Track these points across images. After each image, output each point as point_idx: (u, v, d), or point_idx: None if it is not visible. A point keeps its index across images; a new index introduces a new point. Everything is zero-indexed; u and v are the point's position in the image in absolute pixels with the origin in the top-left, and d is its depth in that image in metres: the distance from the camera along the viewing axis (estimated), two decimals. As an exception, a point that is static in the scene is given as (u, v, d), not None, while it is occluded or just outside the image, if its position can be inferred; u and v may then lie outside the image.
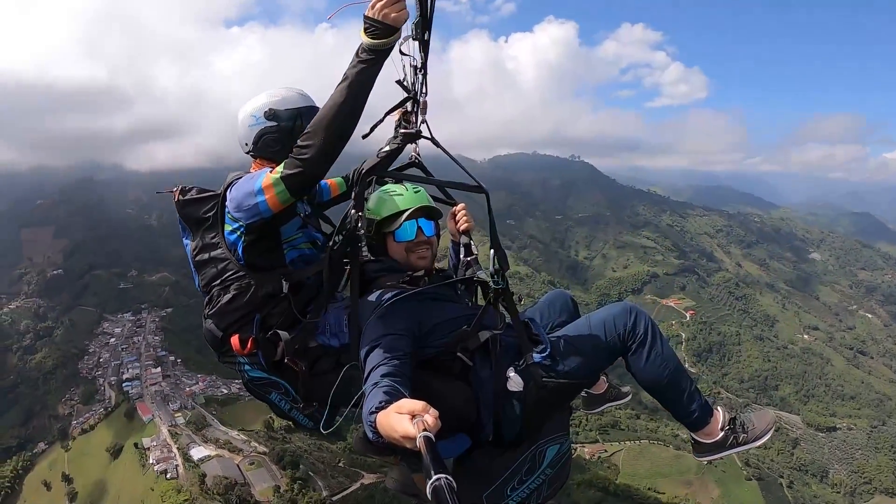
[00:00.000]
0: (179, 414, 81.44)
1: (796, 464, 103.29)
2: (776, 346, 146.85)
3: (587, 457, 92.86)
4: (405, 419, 1.89)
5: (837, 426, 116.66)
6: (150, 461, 68.61)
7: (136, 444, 73.98)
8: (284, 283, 3.23)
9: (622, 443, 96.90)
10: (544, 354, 3.17)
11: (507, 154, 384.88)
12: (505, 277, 3.23)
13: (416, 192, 3.56)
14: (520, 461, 3.14)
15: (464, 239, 3.76)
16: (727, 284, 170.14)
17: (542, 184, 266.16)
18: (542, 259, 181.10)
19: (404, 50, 3.06)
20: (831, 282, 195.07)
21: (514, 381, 3.07)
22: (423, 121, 3.50)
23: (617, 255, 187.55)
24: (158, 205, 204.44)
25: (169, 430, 76.11)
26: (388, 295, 3.17)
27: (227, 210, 3.24)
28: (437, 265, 3.75)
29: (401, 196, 3.52)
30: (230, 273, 3.27)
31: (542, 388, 3.12)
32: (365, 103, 2.86)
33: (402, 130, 3.59)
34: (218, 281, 3.30)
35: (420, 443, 1.74)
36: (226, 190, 3.26)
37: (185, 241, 3.48)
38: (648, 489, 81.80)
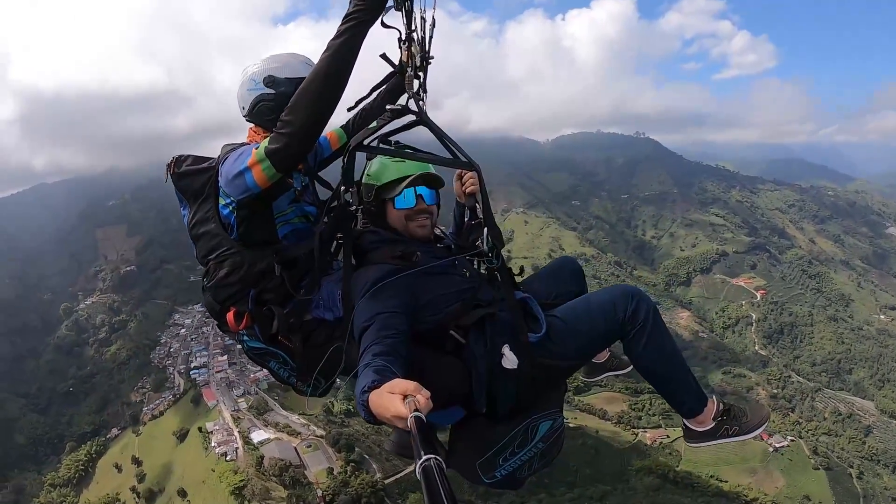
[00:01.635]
0: (242, 399, 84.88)
1: (868, 453, 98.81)
2: (851, 327, 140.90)
3: (648, 442, 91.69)
4: (397, 399, 1.91)
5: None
6: (213, 444, 71.94)
7: (200, 429, 77.75)
8: (277, 265, 3.20)
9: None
10: (540, 335, 3.16)
11: (571, 134, 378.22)
12: (500, 255, 3.29)
13: None
14: (512, 434, 3.18)
15: (469, 201, 3.76)
16: (800, 262, 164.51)
17: (606, 163, 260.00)
18: (608, 240, 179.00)
19: (387, 21, 3.04)
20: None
21: (509, 359, 3.08)
22: (412, 96, 3.34)
23: (685, 234, 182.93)
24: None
25: (231, 415, 79.60)
26: (381, 273, 3.11)
27: (219, 184, 3.22)
28: (437, 231, 3.70)
29: (402, 162, 3.44)
30: (224, 249, 3.25)
31: (536, 366, 3.14)
32: (348, 73, 2.83)
33: (389, 106, 3.44)
34: (213, 255, 3.29)
35: (411, 423, 1.76)
36: (220, 163, 3.23)
37: (183, 212, 3.44)
38: (710, 477, 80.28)
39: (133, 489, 74.41)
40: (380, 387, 2.10)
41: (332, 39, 2.73)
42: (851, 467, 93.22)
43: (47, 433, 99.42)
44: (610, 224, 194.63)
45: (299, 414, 77.92)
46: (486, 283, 3.33)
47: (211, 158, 3.32)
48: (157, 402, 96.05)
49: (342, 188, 3.22)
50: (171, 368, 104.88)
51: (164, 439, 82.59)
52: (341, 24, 2.72)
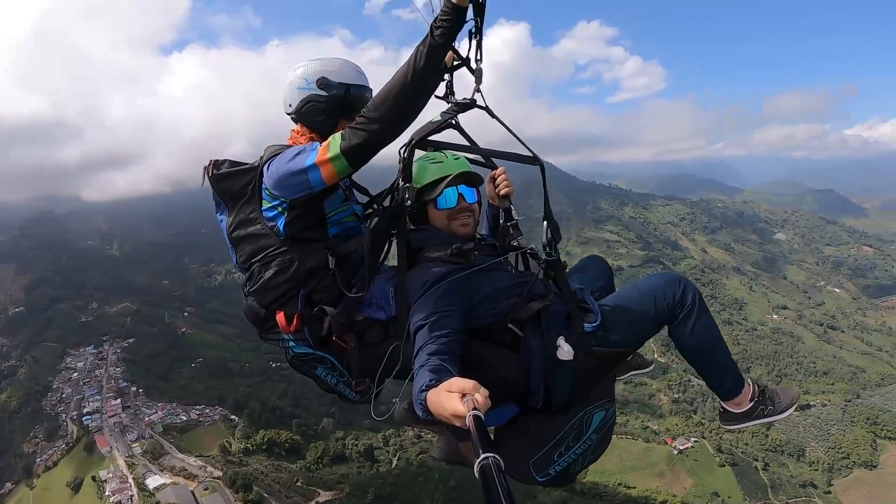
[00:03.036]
0: (137, 444, 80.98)
1: (771, 445, 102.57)
2: (745, 328, 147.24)
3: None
4: (455, 398, 1.93)
5: (811, 403, 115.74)
6: (107, 493, 68.55)
7: (93, 478, 73.62)
8: (331, 258, 3.16)
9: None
10: (595, 324, 3.20)
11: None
12: (556, 248, 3.32)
13: (456, 159, 3.48)
14: (567, 427, 3.22)
15: (504, 203, 3.71)
16: (693, 271, 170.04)
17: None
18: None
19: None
20: (798, 260, 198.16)
21: (565, 350, 3.12)
22: (477, 89, 3.38)
23: (581, 252, 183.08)
24: (120, 234, 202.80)
25: (126, 461, 75.88)
26: (437, 271, 3.11)
27: (263, 186, 3.14)
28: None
29: (440, 163, 3.44)
30: (271, 249, 3.18)
31: (591, 356, 3.17)
32: (435, 77, 2.96)
33: (454, 100, 3.45)
34: (258, 257, 3.21)
35: (469, 421, 1.77)
36: (264, 164, 3.15)
37: (220, 218, 3.37)
38: (618, 485, 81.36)
39: (29, 546, 69.64)
40: (437, 385, 2.14)
41: (420, 45, 2.79)
42: (756, 460, 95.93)
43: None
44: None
45: (196, 456, 75.22)
46: (538, 277, 3.34)
47: (248, 163, 3.27)
48: (51, 451, 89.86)
49: (401, 183, 3.18)
50: (64, 415, 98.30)
51: (59, 491, 77.70)
52: (430, 31, 2.77)
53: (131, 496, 66.57)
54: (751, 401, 3.59)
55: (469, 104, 3.41)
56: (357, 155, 2.93)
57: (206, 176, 3.33)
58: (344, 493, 64.18)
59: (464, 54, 3.34)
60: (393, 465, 75.52)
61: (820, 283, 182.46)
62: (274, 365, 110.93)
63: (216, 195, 3.34)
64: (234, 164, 3.32)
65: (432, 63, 2.83)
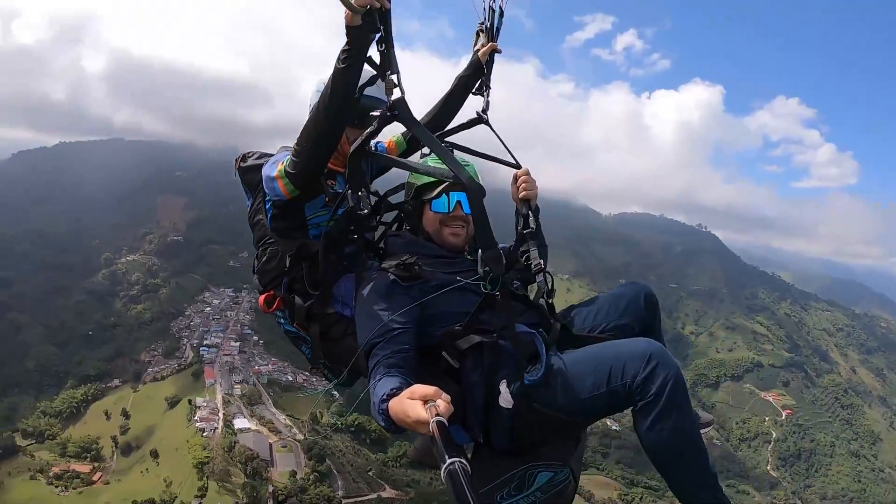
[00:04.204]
0: (239, 386, 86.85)
1: None
2: (872, 466, 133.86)
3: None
4: (418, 405, 1.92)
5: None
6: (195, 418, 74.23)
7: (190, 401, 79.89)
8: (288, 258, 3.40)
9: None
10: (535, 378, 2.79)
11: (634, 213, 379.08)
12: (500, 281, 2.87)
13: (465, 166, 3.21)
14: (510, 475, 2.90)
15: (522, 207, 3.39)
16: (835, 389, 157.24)
17: (663, 248, 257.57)
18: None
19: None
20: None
21: (504, 398, 2.84)
22: (392, 104, 2.93)
23: (724, 336, 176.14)
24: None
25: (223, 397, 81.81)
26: (377, 285, 3.02)
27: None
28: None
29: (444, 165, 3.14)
30: (267, 238, 3.57)
31: (533, 412, 2.81)
32: (345, 103, 2.92)
33: (374, 113, 3.13)
34: (261, 243, 3.62)
35: (433, 427, 1.77)
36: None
37: (248, 203, 3.78)
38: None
39: (114, 439, 78.20)
40: (399, 394, 2.12)
41: (331, 75, 2.84)
42: None
43: (55, 366, 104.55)
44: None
45: (287, 415, 79.04)
46: (483, 307, 2.96)
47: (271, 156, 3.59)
48: (163, 366, 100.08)
49: (349, 191, 3.08)
50: (186, 340, 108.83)
51: (157, 402, 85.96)
52: (337, 60, 2.79)
53: (215, 428, 71.26)
54: None
55: (391, 117, 2.99)
56: (295, 180, 3.14)
57: (235, 168, 3.71)
58: (408, 497, 64.61)
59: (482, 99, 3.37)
60: (467, 488, 74.48)
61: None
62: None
63: (242, 184, 3.72)
64: (262, 156, 3.68)
65: (340, 87, 2.85)
